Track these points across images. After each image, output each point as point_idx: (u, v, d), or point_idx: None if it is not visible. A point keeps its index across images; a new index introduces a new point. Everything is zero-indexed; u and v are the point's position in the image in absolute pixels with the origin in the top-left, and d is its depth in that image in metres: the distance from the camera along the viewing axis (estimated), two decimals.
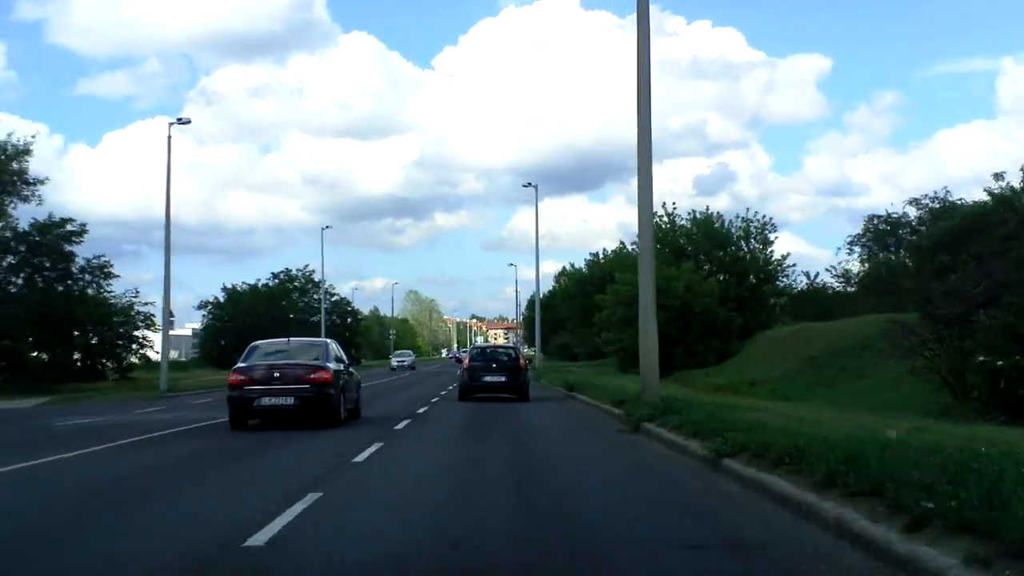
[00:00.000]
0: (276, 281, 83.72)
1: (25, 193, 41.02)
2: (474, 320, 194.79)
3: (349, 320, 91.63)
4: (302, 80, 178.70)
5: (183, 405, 27.74)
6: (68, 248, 42.32)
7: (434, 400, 26.31)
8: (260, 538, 6.40)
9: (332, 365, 16.77)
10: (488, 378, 25.52)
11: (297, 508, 7.52)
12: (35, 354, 43.90)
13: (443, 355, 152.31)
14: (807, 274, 57.91)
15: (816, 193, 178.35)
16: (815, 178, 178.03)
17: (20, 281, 42.77)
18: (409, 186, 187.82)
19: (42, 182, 41.91)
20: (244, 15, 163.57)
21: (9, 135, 41.85)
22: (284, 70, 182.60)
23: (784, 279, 55.26)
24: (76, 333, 47.80)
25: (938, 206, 30.97)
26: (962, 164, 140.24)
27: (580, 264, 79.73)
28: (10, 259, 42.21)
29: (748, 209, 57.47)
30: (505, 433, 15.52)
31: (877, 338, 33.42)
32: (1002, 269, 21.27)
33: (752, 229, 53.04)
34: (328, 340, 19.65)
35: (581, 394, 25.73)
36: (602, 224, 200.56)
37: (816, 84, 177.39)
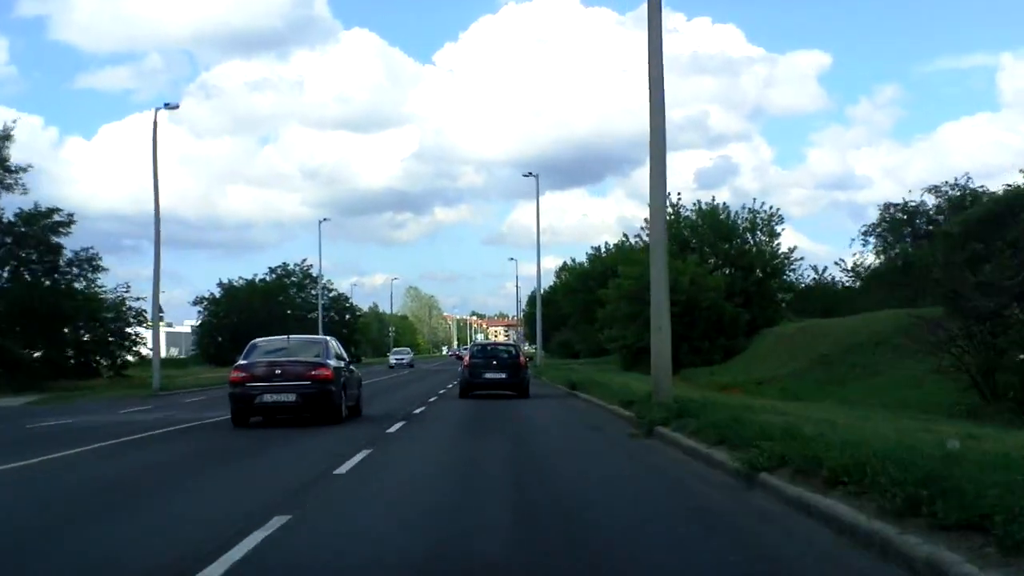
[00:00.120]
0: (273, 276, 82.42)
1: (8, 181, 39.55)
2: (474, 317, 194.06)
3: (347, 317, 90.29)
4: (302, 74, 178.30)
5: (173, 404, 26.65)
6: (55, 240, 41.00)
7: (432, 400, 25.12)
8: None
9: (333, 362, 16.75)
10: (489, 375, 25.52)
11: (254, 539, 6.25)
12: (26, 351, 42.67)
13: (443, 352, 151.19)
14: (815, 268, 56.61)
15: (817, 186, 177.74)
16: (817, 171, 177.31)
17: (5, 275, 41.49)
18: (409, 179, 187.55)
19: (25, 169, 40.44)
20: (245, 11, 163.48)
21: None
22: (285, 65, 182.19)
23: (791, 273, 53.99)
24: (67, 330, 46.73)
25: (958, 194, 29.71)
26: (966, 156, 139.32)
27: (581, 258, 78.44)
28: None
29: (755, 200, 56.24)
30: (506, 435, 14.41)
31: (892, 334, 32.29)
32: None
33: (758, 221, 51.77)
34: (328, 337, 19.51)
35: (585, 393, 24.51)
36: (602, 218, 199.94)
37: (816, 79, 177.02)
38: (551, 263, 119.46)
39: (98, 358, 48.62)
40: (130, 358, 50.84)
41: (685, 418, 12.19)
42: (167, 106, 38.97)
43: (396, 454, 12.06)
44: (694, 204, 54.01)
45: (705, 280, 45.66)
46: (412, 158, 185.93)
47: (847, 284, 54.30)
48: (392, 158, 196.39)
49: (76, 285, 43.18)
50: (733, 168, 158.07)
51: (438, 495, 8.52)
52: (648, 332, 45.85)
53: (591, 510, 7.68)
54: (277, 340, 18.47)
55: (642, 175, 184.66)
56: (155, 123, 38.21)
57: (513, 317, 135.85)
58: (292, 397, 15.91)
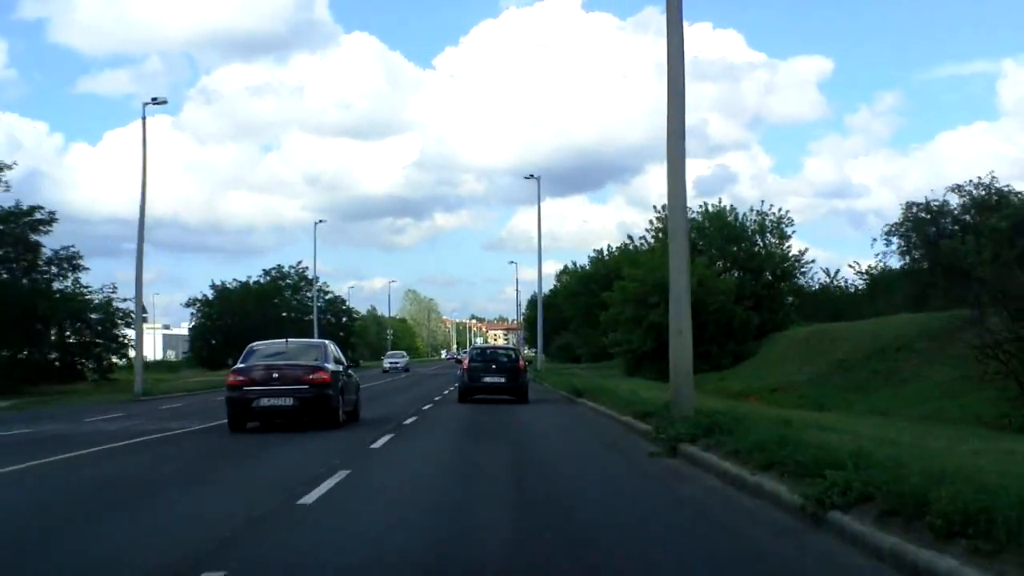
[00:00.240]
0: (268, 278, 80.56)
1: None
2: (474, 321, 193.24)
3: (344, 319, 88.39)
4: (303, 80, 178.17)
5: (148, 411, 24.98)
6: (34, 238, 39.20)
7: (426, 407, 23.33)
8: None
9: (331, 366, 16.65)
10: (488, 379, 25.44)
11: None
12: (2, 352, 40.93)
13: (442, 356, 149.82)
14: (826, 271, 54.72)
15: (815, 195, 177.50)
16: (815, 180, 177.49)
17: None
18: (409, 186, 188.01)
19: (9, 167, 38.74)
20: (246, 15, 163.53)
21: None
22: (285, 70, 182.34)
23: (801, 276, 52.13)
24: (53, 331, 45.13)
25: (983, 193, 27.97)
26: (963, 166, 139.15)
27: (581, 264, 76.56)
28: None
29: (763, 202, 54.34)
30: (506, 448, 12.59)
31: (914, 339, 30.50)
32: None
33: (768, 223, 49.95)
34: (327, 341, 19.39)
35: (592, 401, 22.64)
36: (603, 225, 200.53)
37: (817, 85, 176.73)
38: (551, 268, 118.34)
39: (84, 361, 47.11)
40: (117, 361, 49.26)
41: (717, 435, 10.37)
42: (155, 101, 37.31)
43: (372, 490, 10.24)
44: (700, 206, 52.19)
45: (714, 283, 43.86)
46: (413, 166, 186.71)
47: (858, 288, 52.57)
48: (393, 165, 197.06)
49: (56, 285, 41.42)
50: (732, 177, 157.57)
51: (430, 530, 6.72)
52: (652, 337, 44.36)
53: (616, 558, 5.90)
54: (275, 344, 18.35)
55: (642, 182, 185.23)
56: (143, 118, 36.98)
57: (513, 321, 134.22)
58: (289, 401, 15.79)
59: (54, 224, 39.72)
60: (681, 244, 14.23)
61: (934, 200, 27.79)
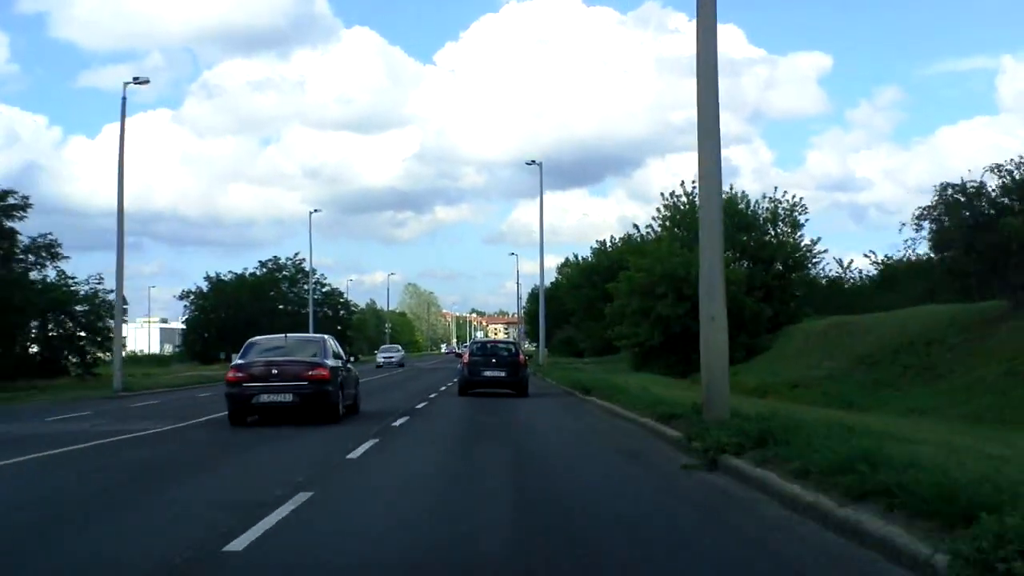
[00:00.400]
0: (264, 270, 78.29)
1: None
2: (474, 315, 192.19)
3: (341, 313, 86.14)
4: (304, 74, 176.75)
5: (117, 410, 22.99)
6: (8, 225, 37.00)
7: (420, 405, 21.28)
8: None
9: (330, 362, 16.57)
10: (488, 373, 25.37)
11: None
12: None
13: (442, 350, 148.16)
14: (839, 261, 52.54)
15: (817, 188, 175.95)
16: (817, 173, 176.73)
17: None
18: (410, 179, 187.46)
19: None
20: (247, 10, 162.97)
21: None
22: (286, 64, 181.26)
23: (813, 266, 49.97)
24: (36, 324, 43.11)
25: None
26: (965, 160, 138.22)
27: (584, 256, 74.34)
28: None
29: (775, 188, 52.12)
30: (511, 463, 10.54)
31: (946, 331, 28.42)
32: None
33: (780, 211, 47.75)
34: (326, 336, 19.04)
35: (603, 399, 20.47)
36: (603, 218, 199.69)
37: (817, 81, 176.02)
38: (551, 263, 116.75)
39: (67, 355, 45.14)
40: (102, 355, 47.30)
41: (772, 446, 8.29)
42: (136, 80, 35.28)
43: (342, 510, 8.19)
44: None
45: (725, 273, 41.66)
46: (413, 159, 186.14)
47: (870, 279, 50.47)
48: (393, 159, 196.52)
49: (35, 275, 39.31)
50: (733, 170, 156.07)
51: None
52: (660, 329, 42.15)
53: None
54: (275, 339, 18.46)
55: (643, 176, 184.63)
56: (123, 99, 35.30)
57: (513, 315, 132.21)
58: (289, 398, 15.75)
59: (29, 210, 37.52)
60: (714, 215, 12.14)
61: (971, 181, 25.52)
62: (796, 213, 48.04)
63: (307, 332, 49.17)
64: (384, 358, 65.09)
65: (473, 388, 25.15)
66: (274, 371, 15.92)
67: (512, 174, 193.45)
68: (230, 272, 76.20)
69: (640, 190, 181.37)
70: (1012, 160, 25.76)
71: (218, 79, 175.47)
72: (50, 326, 44.51)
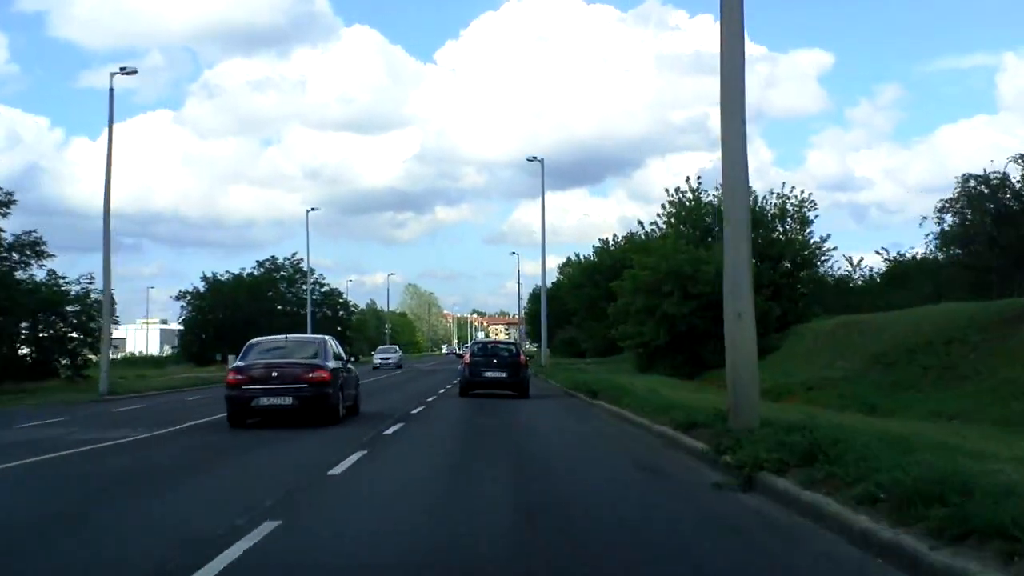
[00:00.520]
0: (262, 270, 76.95)
1: None
2: (475, 315, 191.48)
3: (340, 313, 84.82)
4: (304, 74, 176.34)
5: (97, 415, 21.81)
6: None
7: (416, 410, 20.03)
8: None
9: (331, 363, 16.48)
10: (489, 374, 25.35)
11: None
12: None
13: (443, 350, 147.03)
14: (849, 259, 51.21)
15: (818, 187, 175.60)
16: (817, 172, 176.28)
17: None
18: (410, 180, 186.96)
19: None
20: (246, 8, 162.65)
21: None
22: (286, 63, 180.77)
23: (821, 264, 48.68)
24: (25, 324, 41.92)
25: None
26: (966, 159, 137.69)
27: (586, 255, 72.94)
28: None
29: (784, 184, 50.66)
30: (515, 478, 9.28)
31: (965, 330, 27.13)
32: None
33: (788, 207, 46.47)
34: (327, 337, 18.78)
35: (611, 403, 19.18)
36: (603, 218, 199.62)
37: (817, 79, 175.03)
38: (552, 263, 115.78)
39: (58, 357, 43.95)
40: (93, 357, 46.12)
41: (823, 464, 7.04)
42: (123, 71, 34.20)
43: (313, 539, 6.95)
44: (717, 188, 48.73)
45: None
46: (414, 159, 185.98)
47: (876, 277, 49.22)
48: (394, 159, 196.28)
49: (20, 274, 38.04)
50: None
51: None
52: (666, 329, 40.80)
53: None
54: (275, 340, 18.43)
55: (643, 176, 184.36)
56: (111, 90, 34.47)
57: (514, 315, 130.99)
58: (289, 400, 15.65)
59: (12, 206, 36.29)
60: (740, 205, 10.90)
61: (994, 172, 24.27)
62: (805, 209, 46.78)
63: (305, 333, 48.03)
64: (381, 359, 63.36)
65: (474, 389, 25.11)
66: (274, 373, 15.80)
67: (513, 174, 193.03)
68: (227, 272, 74.96)
69: (640, 190, 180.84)
70: None
71: (218, 79, 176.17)
72: (40, 327, 43.40)
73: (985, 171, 24.99)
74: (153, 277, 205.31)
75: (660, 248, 42.40)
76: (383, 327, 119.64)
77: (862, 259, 50.66)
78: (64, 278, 42.58)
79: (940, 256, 29.17)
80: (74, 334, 43.79)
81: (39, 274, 41.81)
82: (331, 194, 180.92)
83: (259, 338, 18.58)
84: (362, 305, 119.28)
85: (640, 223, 57.41)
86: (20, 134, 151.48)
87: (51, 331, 43.54)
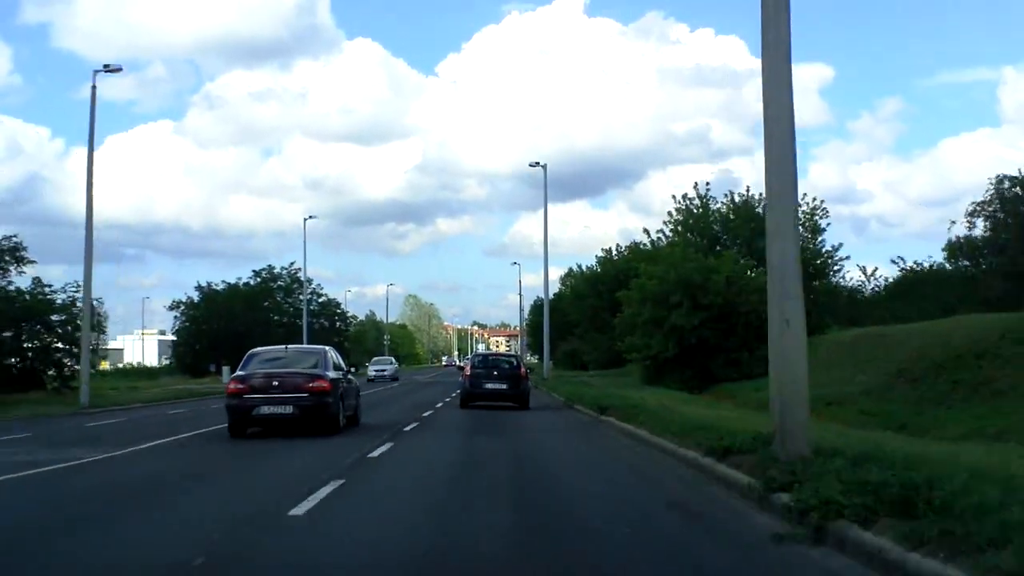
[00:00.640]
0: (258, 280, 75.22)
1: None
2: (476, 327, 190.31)
3: (339, 324, 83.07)
4: (306, 85, 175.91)
5: (67, 430, 20.31)
6: None
7: (408, 427, 18.35)
8: None
9: (331, 373, 16.57)
10: (489, 385, 25.47)
11: None
12: None
13: (443, 362, 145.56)
14: (862, 268, 49.58)
15: (819, 200, 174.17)
16: (819, 185, 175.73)
17: None
18: (411, 191, 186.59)
19: None
20: (249, 21, 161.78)
21: None
22: (288, 75, 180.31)
23: (833, 274, 47.03)
24: (9, 334, 40.34)
25: None
26: (967, 172, 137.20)
27: (588, 265, 71.23)
28: None
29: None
30: (515, 529, 7.57)
31: (999, 343, 25.47)
32: None
33: (800, 215, 44.79)
34: (327, 348, 18.87)
35: (623, 421, 17.37)
36: (604, 230, 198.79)
37: (819, 92, 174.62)
38: (553, 275, 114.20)
39: (43, 368, 42.34)
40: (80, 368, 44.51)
41: (926, 514, 5.34)
42: (107, 68, 32.68)
43: None
44: (726, 195, 47.13)
45: (745, 281, 38.75)
46: (415, 170, 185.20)
47: (893, 286, 47.60)
48: (395, 170, 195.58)
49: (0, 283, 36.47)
50: (735, 182, 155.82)
51: None
52: (675, 340, 38.89)
53: None
54: (275, 350, 18.55)
55: (644, 188, 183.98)
56: (93, 87, 32.86)
57: (515, 327, 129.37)
58: (289, 409, 15.70)
59: None
60: (786, 188, 9.23)
61: None
62: (817, 217, 45.20)
63: (302, 343, 46.47)
64: (376, 371, 60.89)
65: (475, 400, 25.29)
66: (275, 383, 15.85)
67: (514, 186, 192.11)
68: (223, 282, 73.31)
69: (641, 202, 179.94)
70: None
71: (220, 90, 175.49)
72: (24, 337, 41.87)
73: (1020, 171, 23.31)
74: (153, 288, 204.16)
75: (668, 256, 40.71)
76: (382, 338, 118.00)
77: (876, 269, 49.07)
78: (49, 286, 41.21)
79: (962, 264, 27.59)
80: (60, 344, 42.32)
81: (22, 282, 40.41)
82: (332, 205, 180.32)
83: (260, 348, 18.65)
84: (362, 316, 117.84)
85: (646, 231, 55.72)
86: (21, 144, 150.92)
87: (36, 341, 42.10)
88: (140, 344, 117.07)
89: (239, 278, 74.47)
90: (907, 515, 5.52)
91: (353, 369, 23.05)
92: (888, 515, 5.64)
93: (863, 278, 48.89)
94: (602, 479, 10.58)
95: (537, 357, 71.37)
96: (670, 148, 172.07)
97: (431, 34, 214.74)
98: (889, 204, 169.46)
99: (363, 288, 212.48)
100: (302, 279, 73.16)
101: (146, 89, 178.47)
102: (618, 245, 66.02)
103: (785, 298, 8.80)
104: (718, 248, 43.99)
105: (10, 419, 24.64)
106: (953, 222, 26.19)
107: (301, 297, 71.61)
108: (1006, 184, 23.04)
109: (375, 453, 13.06)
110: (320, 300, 79.58)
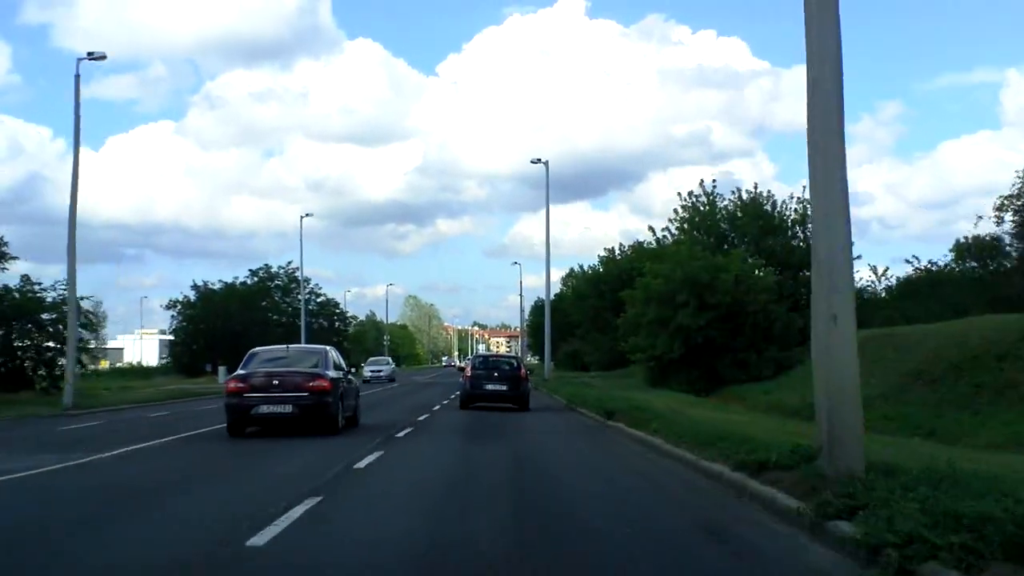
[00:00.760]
0: (256, 279, 74.08)
1: None
2: (476, 328, 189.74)
3: (337, 324, 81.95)
4: (307, 86, 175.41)
5: (33, 435, 18.92)
6: None
7: (401, 434, 17.18)
8: None
9: (331, 373, 16.56)
10: (490, 387, 25.56)
11: None
12: None
13: (443, 362, 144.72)
14: (873, 268, 48.41)
15: None
16: None
17: None
18: (412, 192, 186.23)
19: None
20: (250, 20, 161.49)
21: None
22: (289, 75, 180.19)
23: None
24: None
25: None
26: (968, 174, 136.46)
27: (591, 265, 70.08)
28: None
29: (804, 188, 47.61)
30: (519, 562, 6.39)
31: (1018, 344, 24.31)
32: None
33: (809, 213, 43.66)
34: (328, 347, 18.84)
35: (635, 428, 16.01)
36: (605, 232, 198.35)
37: None
38: (554, 276, 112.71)
39: (31, 366, 41.28)
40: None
41: None
42: (90, 56, 31.76)
43: None
44: (733, 192, 45.98)
45: (754, 280, 37.58)
46: (416, 171, 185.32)
47: (895, 288, 46.44)
48: (396, 171, 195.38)
49: None
50: (736, 184, 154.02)
51: None
52: (680, 341, 37.45)
53: None
54: (276, 349, 18.58)
55: (645, 189, 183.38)
56: (77, 76, 32.18)
57: (515, 328, 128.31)
58: (289, 408, 15.71)
59: None
60: (834, 168, 8.08)
61: None
62: None
63: (300, 343, 45.49)
64: (372, 372, 58.80)
65: (475, 401, 25.38)
66: (275, 382, 15.87)
67: (514, 187, 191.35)
68: (220, 281, 72.24)
69: (642, 204, 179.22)
70: None
71: (220, 90, 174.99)
72: (14, 336, 40.85)
73: None
74: (153, 288, 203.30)
75: (674, 255, 39.52)
76: (382, 339, 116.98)
77: (887, 269, 47.89)
78: (39, 284, 40.22)
79: (969, 265, 26.52)
80: (51, 343, 41.29)
81: (10, 280, 39.41)
82: (333, 206, 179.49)
83: (261, 347, 18.62)
84: (362, 317, 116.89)
85: (651, 229, 54.62)
86: (22, 144, 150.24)
87: (26, 340, 41.09)
88: (141, 343, 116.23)
89: (236, 277, 73.49)
90: (1020, 561, 4.33)
91: (354, 369, 22.88)
92: (1000, 559, 4.45)
93: (874, 278, 47.51)
94: (621, 498, 9.16)
95: (538, 358, 70.24)
96: (671, 150, 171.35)
97: (432, 35, 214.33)
98: (890, 206, 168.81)
99: (363, 289, 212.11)
100: (300, 278, 72.06)
101: (146, 89, 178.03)
102: (621, 244, 64.88)
103: (833, 292, 7.63)
104: (725, 246, 42.82)
105: None
106: (980, 217, 24.94)
107: (299, 297, 70.49)
108: None
109: (362, 464, 11.84)
110: (319, 300, 78.51)
